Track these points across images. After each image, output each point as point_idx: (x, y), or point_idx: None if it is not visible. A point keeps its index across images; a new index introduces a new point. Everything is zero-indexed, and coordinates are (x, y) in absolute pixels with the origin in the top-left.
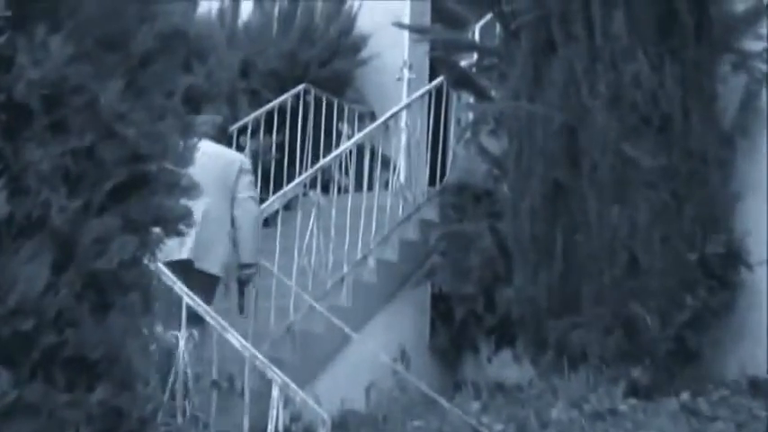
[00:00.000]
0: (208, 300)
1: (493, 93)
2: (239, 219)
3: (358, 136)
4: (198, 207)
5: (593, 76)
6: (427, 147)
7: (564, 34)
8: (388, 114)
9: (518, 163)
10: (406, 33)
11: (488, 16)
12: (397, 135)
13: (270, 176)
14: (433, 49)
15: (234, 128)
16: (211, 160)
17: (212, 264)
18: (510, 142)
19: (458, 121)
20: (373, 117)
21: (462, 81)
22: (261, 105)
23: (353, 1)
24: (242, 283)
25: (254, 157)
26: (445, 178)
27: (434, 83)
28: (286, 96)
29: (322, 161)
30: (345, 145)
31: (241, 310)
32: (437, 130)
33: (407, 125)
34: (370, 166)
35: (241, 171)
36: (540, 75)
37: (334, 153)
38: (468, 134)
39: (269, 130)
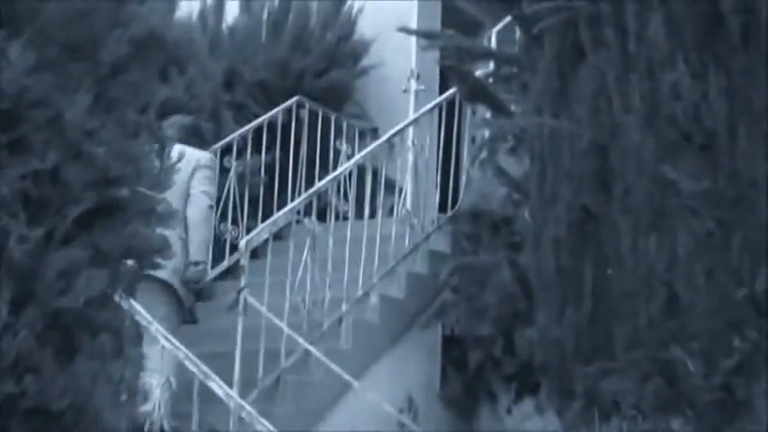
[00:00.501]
0: (156, 311)
1: (512, 106)
2: (189, 216)
3: (358, 156)
4: None
5: (627, 86)
6: (437, 168)
7: (593, 39)
8: (392, 131)
9: (541, 186)
10: (413, 39)
11: (507, 19)
12: (402, 155)
13: (258, 202)
14: (444, 56)
15: (217, 146)
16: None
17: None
18: (532, 163)
19: (472, 139)
20: (376, 134)
21: (477, 93)
22: (248, 121)
23: (353, 2)
24: (190, 284)
25: (241, 180)
26: (458, 204)
27: (445, 95)
28: (277, 111)
29: (318, 184)
30: (344, 166)
31: (192, 317)
32: (449, 149)
33: (415, 143)
34: (372, 189)
35: (197, 167)
36: (566, 86)
37: (332, 175)
38: (483, 153)
39: (257, 149)
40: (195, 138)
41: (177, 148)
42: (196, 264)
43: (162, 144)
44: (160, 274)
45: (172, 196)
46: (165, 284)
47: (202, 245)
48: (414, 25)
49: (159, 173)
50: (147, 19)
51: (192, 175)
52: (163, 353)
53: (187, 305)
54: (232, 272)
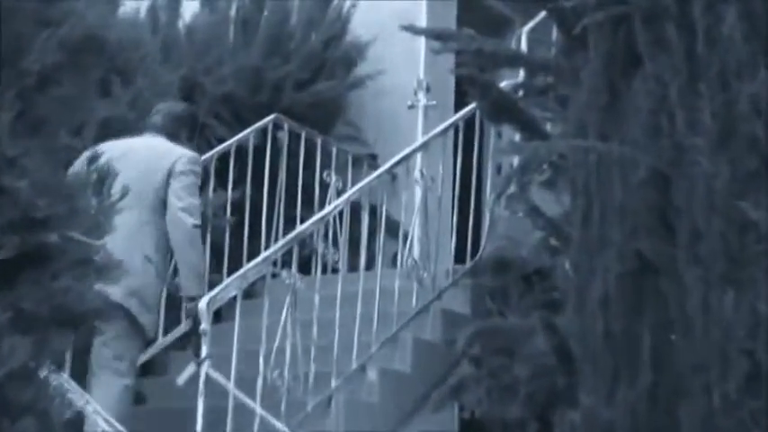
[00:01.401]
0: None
1: (548, 126)
2: (172, 240)
3: (352, 190)
4: None
5: (694, 100)
6: (453, 205)
7: (651, 40)
8: (395, 159)
9: (586, 228)
10: (421, 41)
11: (540, 15)
12: (408, 188)
13: (224, 249)
14: (461, 63)
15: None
16: (131, 158)
17: (111, 289)
18: (574, 198)
19: (497, 169)
20: (374, 162)
21: (503, 109)
22: (210, 146)
23: None
24: (189, 317)
25: (202, 222)
26: (479, 252)
27: (463, 113)
28: (247, 132)
29: (300, 227)
30: (334, 203)
31: (196, 353)
32: (467, 182)
33: (424, 174)
34: (369, 233)
35: (173, 172)
36: (617, 100)
37: (318, 215)
38: (512, 187)
39: (222, 182)
40: (186, 129)
41: (148, 142)
42: (191, 299)
43: (102, 175)
44: (112, 296)
45: (134, 203)
46: (118, 306)
47: (193, 275)
48: (422, 23)
49: (98, 213)
50: (82, 17)
51: (167, 181)
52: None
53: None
54: (191, 338)
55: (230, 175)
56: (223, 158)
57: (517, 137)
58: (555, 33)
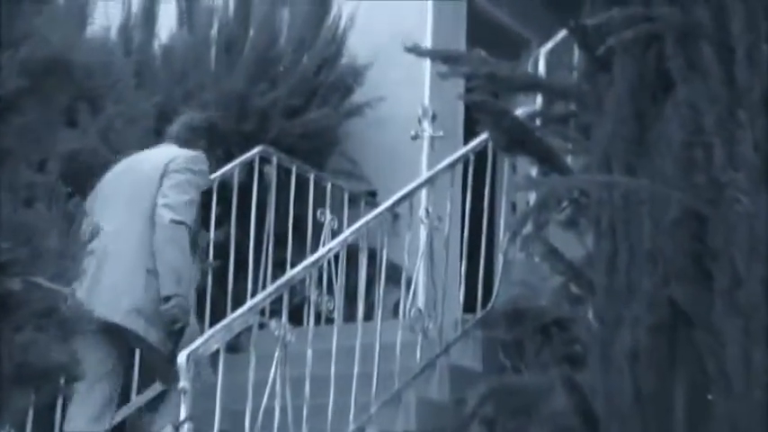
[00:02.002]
0: (104, 364)
1: (569, 159)
2: (154, 239)
3: (349, 231)
4: (102, 235)
5: (734, 130)
6: (461, 248)
7: (685, 62)
8: (397, 196)
9: (611, 274)
10: (426, 64)
11: (560, 35)
12: (413, 229)
13: (206, 297)
14: (472, 88)
15: None
16: (130, 168)
17: (112, 308)
18: (598, 240)
19: (512, 207)
20: (374, 200)
21: (519, 140)
22: None
23: (342, 11)
24: (168, 325)
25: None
26: (491, 300)
27: (473, 144)
28: (231, 166)
29: (290, 272)
30: (328, 246)
31: (166, 376)
32: (477, 222)
33: (429, 213)
34: (368, 279)
35: (166, 173)
36: (647, 130)
37: (311, 259)
38: (528, 227)
39: (204, 222)
40: (204, 140)
41: (147, 153)
42: (166, 299)
43: (71, 216)
44: (113, 317)
45: (130, 214)
46: (119, 327)
47: (168, 273)
48: (427, 44)
49: (65, 256)
50: (45, 38)
51: (160, 184)
52: None
53: (163, 350)
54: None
55: (213, 213)
56: (205, 195)
57: (534, 171)
58: (576, 55)
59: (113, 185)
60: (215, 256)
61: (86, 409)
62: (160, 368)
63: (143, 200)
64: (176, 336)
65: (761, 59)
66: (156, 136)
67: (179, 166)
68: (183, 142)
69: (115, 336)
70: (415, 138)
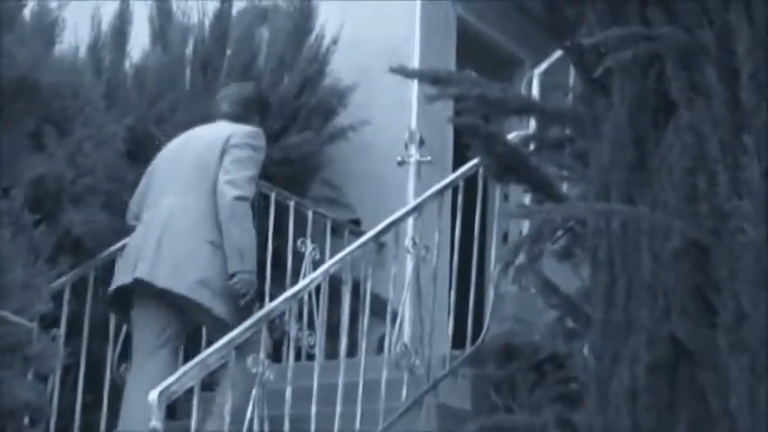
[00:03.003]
0: (165, 327)
1: (564, 186)
2: (219, 216)
3: (331, 261)
4: (161, 209)
5: (739, 156)
6: (450, 280)
7: (687, 84)
8: (382, 224)
9: (609, 308)
10: (413, 86)
11: (555, 55)
12: (399, 260)
13: None
14: (461, 112)
15: (116, 248)
16: (190, 146)
17: (177, 280)
18: (595, 272)
19: (503, 236)
20: (358, 229)
21: (511, 166)
22: None
23: (324, 28)
24: (235, 300)
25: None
26: (482, 335)
27: (463, 170)
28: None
29: (269, 305)
30: (309, 277)
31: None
32: (467, 252)
33: (416, 243)
34: (351, 313)
35: (225, 148)
36: (647, 156)
37: (290, 291)
38: (521, 258)
39: None
40: (258, 114)
41: (202, 129)
42: (232, 276)
43: (37, 250)
44: (177, 288)
45: (190, 188)
46: (186, 299)
47: (233, 250)
48: (414, 64)
49: (30, 288)
50: (11, 57)
51: (220, 160)
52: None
53: (230, 322)
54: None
55: None
56: None
57: (527, 199)
58: (572, 76)
59: (171, 162)
60: None
61: (145, 378)
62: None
63: (203, 175)
64: (245, 310)
65: (766, 82)
66: (127, 159)
67: (239, 142)
68: (237, 119)
69: (176, 307)
70: (402, 163)
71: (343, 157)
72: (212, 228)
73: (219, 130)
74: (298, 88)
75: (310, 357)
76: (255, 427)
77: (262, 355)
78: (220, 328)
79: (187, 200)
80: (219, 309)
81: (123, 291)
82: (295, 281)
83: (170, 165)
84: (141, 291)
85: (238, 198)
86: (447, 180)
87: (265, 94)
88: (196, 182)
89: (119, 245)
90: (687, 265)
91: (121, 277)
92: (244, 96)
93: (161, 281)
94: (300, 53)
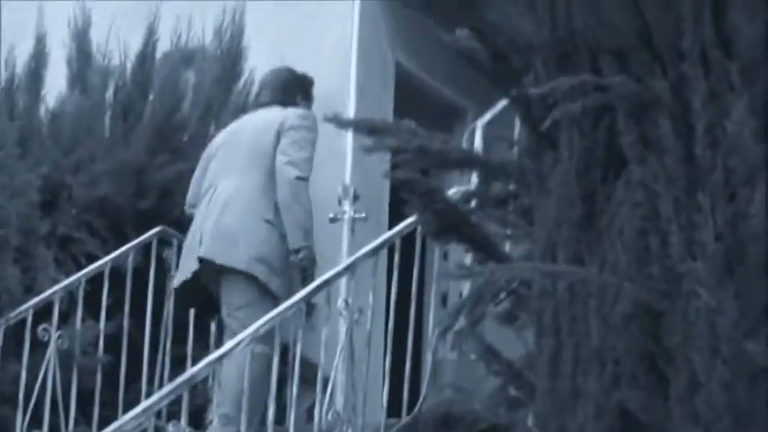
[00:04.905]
0: (233, 301)
1: (507, 246)
2: (278, 197)
3: (258, 323)
4: (218, 193)
5: (693, 215)
6: (385, 345)
7: (639, 138)
8: (313, 284)
9: (555, 376)
10: (348, 137)
11: (500, 105)
12: (330, 322)
13: (94, 396)
14: (399, 165)
15: (27, 306)
16: (244, 130)
17: (236, 257)
18: (540, 337)
19: (442, 299)
20: None
21: (451, 224)
22: (79, 265)
23: (254, 71)
24: (299, 274)
25: (66, 361)
26: (419, 403)
27: (399, 227)
28: (126, 248)
29: (191, 369)
30: (234, 340)
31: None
32: (404, 315)
33: (349, 305)
34: (279, 379)
35: (281, 131)
36: (596, 213)
37: (215, 354)
38: (461, 321)
39: (93, 311)
40: (299, 92)
41: (256, 115)
42: (297, 252)
43: None
44: (237, 264)
45: (248, 170)
46: (244, 275)
47: (297, 228)
48: (350, 112)
49: None
50: None
51: (276, 141)
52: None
53: (284, 297)
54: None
55: (104, 302)
56: (95, 281)
57: (468, 258)
58: (517, 128)
59: (225, 148)
60: (105, 350)
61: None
62: (261, 315)
63: (259, 157)
64: (306, 284)
65: (723, 137)
66: (41, 210)
67: (294, 124)
68: (280, 103)
69: (234, 281)
70: (335, 220)
71: None
72: (268, 207)
73: (272, 114)
74: None
75: None
76: None
77: (183, 423)
78: (269, 303)
79: (243, 181)
80: (275, 284)
81: (189, 282)
82: (219, 344)
83: (224, 151)
84: (206, 273)
85: (299, 178)
86: (382, 238)
87: (301, 74)
88: (252, 164)
89: (30, 303)
90: (638, 330)
91: (187, 267)
92: (281, 80)
93: (220, 257)
94: (228, 99)
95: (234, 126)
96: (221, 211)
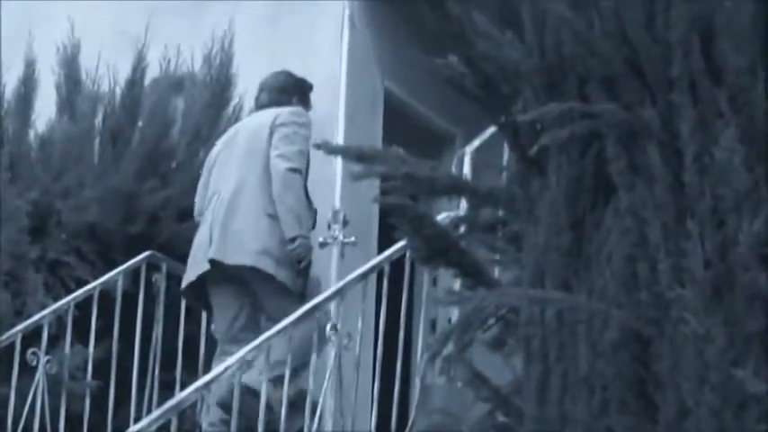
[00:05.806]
0: (250, 315)
1: (496, 272)
2: (272, 187)
3: (246, 348)
4: (222, 196)
5: (681, 242)
6: (374, 370)
7: (628, 166)
8: (302, 309)
9: (543, 402)
10: (337, 163)
11: (488, 132)
12: (319, 346)
13: (83, 421)
14: (388, 191)
15: (16, 331)
16: (240, 133)
17: (242, 254)
18: (528, 363)
19: (431, 324)
20: None
21: (440, 250)
22: (68, 289)
23: (243, 98)
24: (295, 264)
25: (54, 386)
26: (407, 428)
27: (388, 253)
28: (115, 273)
29: (180, 394)
30: (224, 364)
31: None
32: (392, 340)
33: (338, 330)
34: (267, 404)
35: (273, 128)
36: (584, 240)
37: (203, 380)
38: (449, 347)
39: (82, 336)
40: (296, 96)
41: (254, 116)
42: (291, 240)
43: None
44: (244, 260)
45: (246, 168)
46: (253, 270)
47: (290, 217)
48: (339, 139)
49: None
50: None
51: (270, 138)
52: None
53: (293, 288)
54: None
55: (92, 326)
56: (84, 306)
57: (457, 284)
58: (506, 155)
59: (225, 153)
60: (94, 375)
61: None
62: (288, 307)
63: (257, 154)
64: (304, 273)
65: (712, 164)
66: (31, 235)
67: (285, 120)
68: (278, 104)
69: (240, 281)
70: (324, 245)
71: None
72: (269, 202)
73: (265, 115)
74: None
75: None
76: None
77: None
78: (281, 294)
79: (244, 181)
80: (283, 275)
81: (195, 285)
82: (207, 369)
83: (224, 156)
84: (214, 277)
85: (290, 169)
86: (372, 263)
87: (300, 78)
88: (250, 163)
89: (19, 327)
90: (626, 356)
91: (194, 271)
92: (279, 82)
93: (229, 258)
94: (218, 125)
95: (231, 132)
96: (225, 215)
